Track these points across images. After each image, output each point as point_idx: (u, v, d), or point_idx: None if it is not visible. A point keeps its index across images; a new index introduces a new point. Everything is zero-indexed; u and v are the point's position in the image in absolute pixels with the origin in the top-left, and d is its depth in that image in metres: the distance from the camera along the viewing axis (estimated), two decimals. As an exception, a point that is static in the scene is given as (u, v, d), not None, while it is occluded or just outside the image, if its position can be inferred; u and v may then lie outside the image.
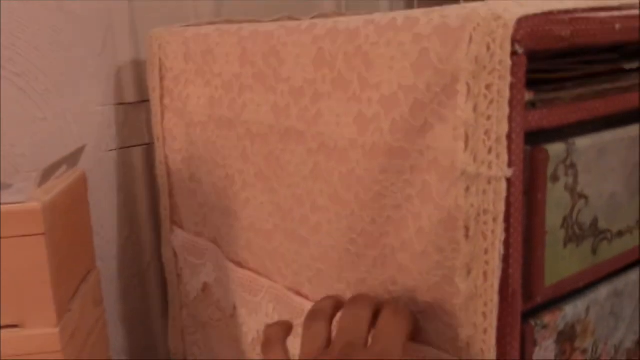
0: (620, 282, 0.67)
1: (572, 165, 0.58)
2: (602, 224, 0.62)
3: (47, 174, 0.81)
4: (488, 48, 0.53)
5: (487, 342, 0.57)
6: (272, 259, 0.86)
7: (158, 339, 1.23)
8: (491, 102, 0.54)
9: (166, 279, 1.15)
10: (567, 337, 0.62)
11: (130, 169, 1.20)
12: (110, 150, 1.17)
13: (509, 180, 0.55)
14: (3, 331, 0.77)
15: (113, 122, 1.18)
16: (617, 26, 0.59)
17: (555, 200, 0.58)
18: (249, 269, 0.90)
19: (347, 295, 0.73)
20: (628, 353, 0.70)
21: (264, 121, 0.81)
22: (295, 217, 0.79)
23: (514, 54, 0.53)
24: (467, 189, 0.56)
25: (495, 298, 0.56)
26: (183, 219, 1.06)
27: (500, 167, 0.54)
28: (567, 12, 0.56)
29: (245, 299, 0.91)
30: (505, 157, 0.54)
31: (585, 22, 0.56)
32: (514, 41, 0.52)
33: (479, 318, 0.57)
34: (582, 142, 0.59)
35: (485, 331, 0.57)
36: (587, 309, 0.63)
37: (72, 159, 0.90)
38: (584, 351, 0.64)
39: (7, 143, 1.08)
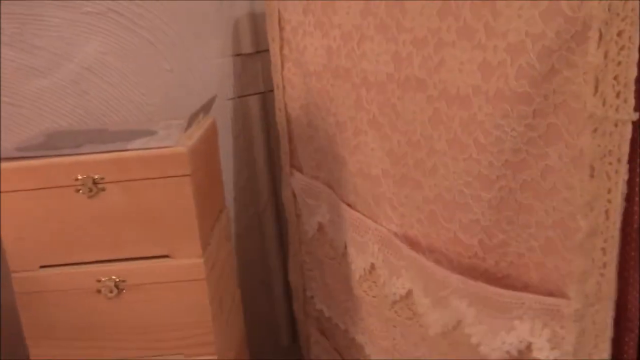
0: None
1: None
2: None
3: (191, 121, 0.90)
4: (620, -5, 0.55)
5: (605, 277, 0.61)
6: (377, 202, 0.91)
7: (274, 275, 1.33)
8: (622, 48, 0.56)
9: (281, 219, 1.24)
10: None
11: (248, 116, 1.28)
12: (230, 99, 1.25)
13: (634, 123, 0.57)
14: (155, 261, 0.87)
15: (231, 72, 1.26)
16: None
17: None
18: (358, 211, 0.97)
19: (459, 235, 0.78)
20: None
21: (382, 70, 0.86)
22: (409, 162, 0.84)
23: (645, 0, 0.54)
24: (595, 130, 0.59)
25: (616, 235, 0.59)
26: (301, 163, 1.13)
27: (627, 111, 0.57)
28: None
29: (354, 239, 0.98)
30: (632, 101, 0.57)
31: None
32: (646, -12, 0.54)
33: (597, 253, 0.61)
34: None
35: (604, 265, 0.61)
36: None
37: (207, 107, 0.99)
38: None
39: (139, 92, 1.18)
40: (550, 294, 0.67)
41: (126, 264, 0.86)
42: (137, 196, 0.84)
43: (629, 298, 0.62)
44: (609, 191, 0.59)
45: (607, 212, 0.60)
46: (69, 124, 1.14)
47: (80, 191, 0.83)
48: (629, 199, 0.59)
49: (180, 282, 0.86)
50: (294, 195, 1.16)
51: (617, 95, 0.58)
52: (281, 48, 1.12)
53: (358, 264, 0.97)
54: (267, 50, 1.17)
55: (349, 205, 0.99)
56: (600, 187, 0.60)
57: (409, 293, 0.85)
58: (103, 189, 0.84)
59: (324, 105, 1.01)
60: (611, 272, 0.61)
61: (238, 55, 1.26)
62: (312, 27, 1.01)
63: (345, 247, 1.01)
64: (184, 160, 0.83)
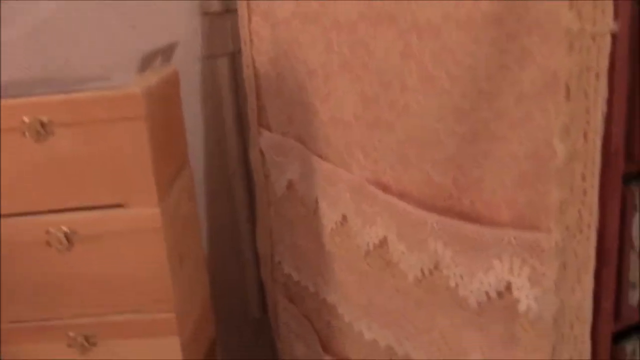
0: None
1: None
2: None
3: (145, 63, 0.85)
4: None
5: (586, 204, 0.57)
6: (350, 150, 0.87)
7: (244, 242, 1.28)
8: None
9: (252, 183, 1.19)
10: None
11: (216, 77, 1.23)
12: (198, 58, 1.20)
13: (614, 37, 0.53)
14: (108, 210, 0.82)
15: (199, 31, 1.20)
16: None
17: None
18: (329, 162, 0.92)
19: (432, 176, 0.73)
20: None
21: (353, 9, 0.81)
22: (381, 103, 0.80)
23: None
24: (571, 46, 0.55)
25: (597, 158, 0.55)
26: (270, 121, 1.08)
27: (605, 23, 0.53)
28: None
29: (326, 191, 0.93)
30: (610, 12, 0.53)
31: None
32: None
33: (577, 180, 0.57)
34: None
35: (584, 192, 0.56)
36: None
37: (166, 53, 0.94)
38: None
39: (101, 50, 1.12)
40: (524, 232, 0.63)
41: (77, 214, 0.81)
42: (89, 140, 0.78)
43: (607, 228, 0.58)
44: (588, 111, 0.55)
45: (585, 134, 0.56)
46: (26, 81, 1.08)
47: (27, 134, 0.78)
48: (608, 119, 0.55)
49: (134, 232, 0.81)
50: (262, 155, 1.11)
51: (594, 7, 0.54)
52: (248, 1, 1.07)
53: (330, 217, 0.92)
54: (236, 11, 1.12)
55: (320, 157, 0.95)
56: (577, 107, 0.56)
57: (383, 241, 0.81)
58: (52, 133, 0.78)
59: (293, 53, 0.96)
60: (592, 200, 0.57)
61: (206, 14, 1.21)
62: (279, -28, 0.96)
63: (317, 202, 0.97)
64: (139, 101, 0.77)
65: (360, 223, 0.85)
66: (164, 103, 0.88)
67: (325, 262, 0.96)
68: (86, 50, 1.11)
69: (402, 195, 0.79)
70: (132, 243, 0.81)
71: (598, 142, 0.55)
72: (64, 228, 0.81)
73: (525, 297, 0.64)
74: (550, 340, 0.63)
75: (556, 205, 0.58)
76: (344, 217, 0.89)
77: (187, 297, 0.91)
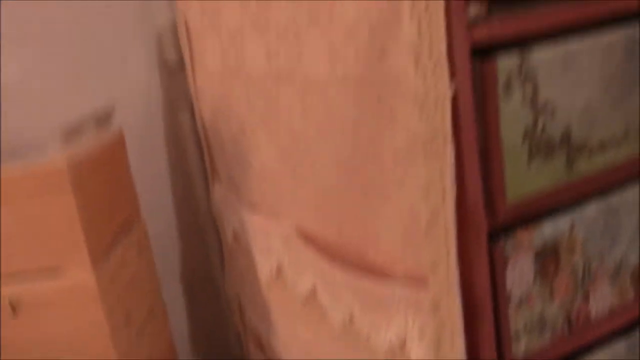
0: (614, 199, 0.64)
1: (529, 77, 0.56)
2: (576, 137, 0.59)
3: (72, 134, 0.88)
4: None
5: (450, 263, 0.57)
6: (278, 200, 0.89)
7: (220, 287, 1.30)
8: (429, 22, 0.53)
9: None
10: (548, 255, 0.60)
11: (180, 129, 1.26)
12: (158, 111, 1.23)
13: (456, 98, 0.54)
14: (40, 282, 0.85)
15: (159, 84, 1.24)
16: None
17: (512, 114, 0.56)
18: (262, 213, 0.95)
19: (341, 227, 0.75)
20: (633, 270, 0.67)
21: (260, 67, 0.83)
22: (294, 157, 0.82)
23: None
24: (420, 110, 0.55)
25: (453, 218, 0.56)
26: (220, 172, 1.11)
27: (444, 84, 0.54)
28: None
29: (260, 242, 0.95)
30: (446, 73, 0.53)
31: None
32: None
33: (441, 239, 0.57)
34: (540, 53, 0.56)
35: (447, 252, 0.57)
36: (572, 227, 0.61)
37: (100, 118, 0.97)
38: (573, 271, 0.62)
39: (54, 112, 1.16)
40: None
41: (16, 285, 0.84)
42: (18, 213, 0.82)
43: (477, 285, 0.58)
44: (442, 173, 0.56)
45: (443, 195, 0.56)
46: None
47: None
48: (461, 179, 0.56)
49: (70, 299, 0.85)
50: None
51: (434, 69, 0.54)
52: (191, 56, 1.10)
53: (265, 267, 0.94)
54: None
55: (255, 207, 0.97)
56: (433, 169, 0.56)
57: (313, 290, 0.82)
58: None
59: (227, 108, 0.98)
60: (455, 258, 0.57)
61: (164, 67, 1.24)
62: (208, 29, 0.99)
63: (253, 254, 0.99)
64: (63, 175, 0.81)
65: (293, 273, 0.87)
66: (102, 168, 0.91)
67: (267, 311, 0.97)
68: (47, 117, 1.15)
69: (325, 245, 0.80)
70: (69, 308, 0.85)
71: (452, 202, 0.55)
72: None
73: (415, 351, 0.65)
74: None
75: (428, 264, 0.59)
76: (279, 268, 0.90)
77: (139, 352, 0.93)
